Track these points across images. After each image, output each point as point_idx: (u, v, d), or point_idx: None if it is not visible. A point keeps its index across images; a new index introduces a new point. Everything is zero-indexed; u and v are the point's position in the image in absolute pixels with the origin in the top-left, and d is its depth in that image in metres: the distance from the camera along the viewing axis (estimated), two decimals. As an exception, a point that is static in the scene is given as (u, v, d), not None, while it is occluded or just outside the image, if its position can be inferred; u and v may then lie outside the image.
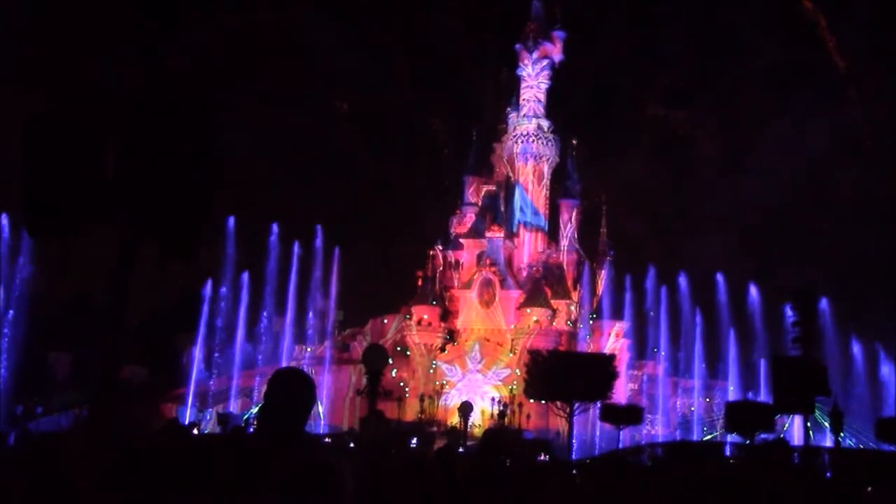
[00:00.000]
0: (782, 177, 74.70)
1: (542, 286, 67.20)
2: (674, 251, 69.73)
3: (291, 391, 4.28)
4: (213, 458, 4.07)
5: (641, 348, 65.58)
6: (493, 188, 73.50)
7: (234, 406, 59.25)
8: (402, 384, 63.64)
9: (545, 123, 73.78)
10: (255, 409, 53.09)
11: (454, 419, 57.81)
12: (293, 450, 2.94)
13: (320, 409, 59.06)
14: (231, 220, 61.33)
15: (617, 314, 66.35)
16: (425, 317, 67.37)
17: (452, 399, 62.97)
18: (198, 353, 62.30)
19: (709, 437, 56.58)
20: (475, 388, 64.02)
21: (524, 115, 73.81)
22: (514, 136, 73.35)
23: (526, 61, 73.71)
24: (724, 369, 65.18)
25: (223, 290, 62.84)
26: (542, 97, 74.42)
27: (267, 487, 2.86)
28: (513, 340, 65.53)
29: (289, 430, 4.09)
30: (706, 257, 72.93)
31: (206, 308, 62.38)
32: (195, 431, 43.38)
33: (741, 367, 63.13)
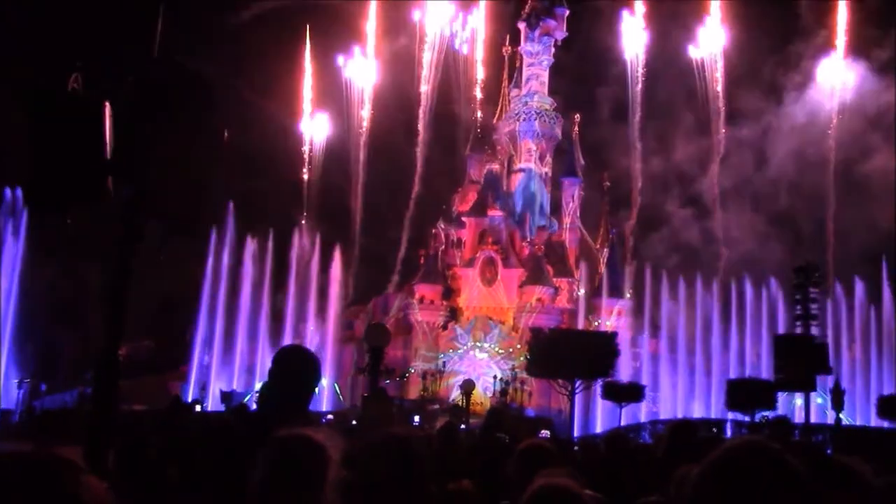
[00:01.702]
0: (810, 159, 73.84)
1: (544, 264, 67.22)
2: (682, 231, 69.07)
3: (295, 369, 4.30)
4: (211, 436, 4.09)
5: (655, 329, 65.75)
6: (496, 166, 73.33)
7: (237, 384, 59.44)
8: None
9: (548, 101, 73.55)
10: (258, 387, 53.33)
11: (451, 391, 58.20)
12: (291, 427, 2.95)
13: (325, 381, 59.28)
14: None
15: (620, 292, 66.44)
16: (428, 295, 67.52)
17: (455, 365, 63.31)
18: (200, 330, 62.47)
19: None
20: (479, 365, 64.20)
21: (526, 93, 73.56)
22: (516, 114, 73.14)
23: (528, 38, 73.39)
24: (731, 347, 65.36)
25: (226, 267, 62.97)
26: (545, 75, 74.16)
27: (255, 464, 2.87)
28: (515, 318, 65.65)
29: (292, 407, 4.11)
30: (716, 237, 72.68)
31: (208, 285, 62.52)
32: (197, 409, 43.59)
33: (750, 345, 63.15)
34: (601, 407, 54.22)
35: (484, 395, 58.74)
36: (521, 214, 71.61)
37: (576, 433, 46.74)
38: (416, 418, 47.30)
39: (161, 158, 4.76)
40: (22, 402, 47.72)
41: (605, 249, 70.63)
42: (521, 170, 73.23)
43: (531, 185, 72.49)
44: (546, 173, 74.22)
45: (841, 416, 39.39)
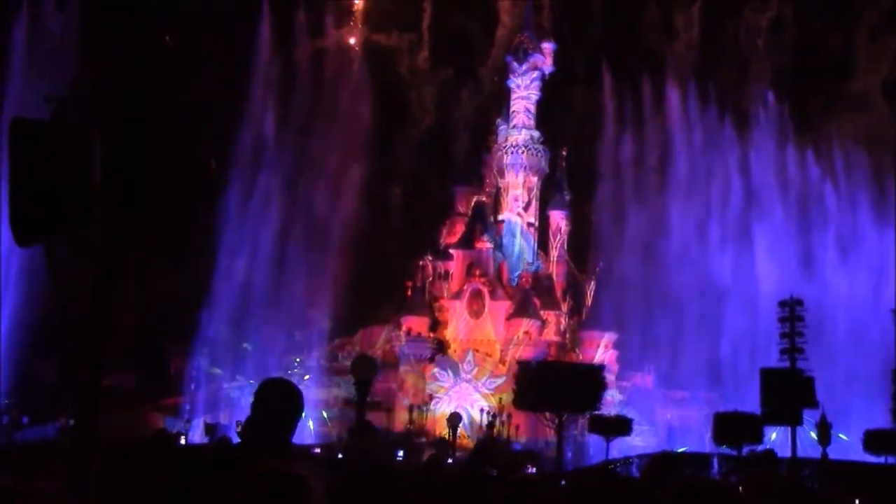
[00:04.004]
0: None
1: (532, 297, 67.25)
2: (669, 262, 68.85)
3: (277, 401, 4.27)
4: (193, 470, 4.05)
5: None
6: (483, 199, 73.57)
7: (222, 416, 58.95)
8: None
9: (535, 134, 74.00)
10: (243, 420, 52.80)
11: (442, 428, 57.80)
12: (271, 461, 2.93)
13: (310, 423, 58.90)
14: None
15: (606, 325, 66.30)
16: (415, 327, 67.36)
17: (442, 406, 62.97)
18: (188, 361, 62.07)
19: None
20: (465, 397, 64.00)
21: (514, 126, 74.03)
22: (504, 147, 73.53)
23: (516, 73, 74.00)
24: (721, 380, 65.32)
25: (215, 297, 62.69)
26: (532, 108, 74.71)
27: (237, 497, 2.85)
28: (502, 351, 65.51)
29: (274, 440, 4.08)
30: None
31: (193, 315, 62.16)
32: (182, 441, 43.22)
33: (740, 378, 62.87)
34: (589, 440, 53.99)
35: (471, 428, 58.47)
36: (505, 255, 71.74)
37: (563, 467, 46.47)
38: (401, 453, 47.02)
39: (147, 188, 4.75)
40: (3, 434, 47.12)
41: (592, 282, 70.70)
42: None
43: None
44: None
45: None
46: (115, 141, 4.66)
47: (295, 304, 65.40)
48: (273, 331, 65.06)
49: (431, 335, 67.74)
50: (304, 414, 4.46)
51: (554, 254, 73.02)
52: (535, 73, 73.93)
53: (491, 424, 57.70)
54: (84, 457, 4.63)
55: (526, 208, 73.52)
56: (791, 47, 73.74)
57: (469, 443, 51.53)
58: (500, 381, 62.65)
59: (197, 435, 53.70)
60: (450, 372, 65.50)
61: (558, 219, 73.75)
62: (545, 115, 75.64)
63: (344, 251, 65.23)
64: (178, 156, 4.83)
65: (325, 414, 60.99)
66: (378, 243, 74.11)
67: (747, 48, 76.11)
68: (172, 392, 61.63)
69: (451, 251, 71.62)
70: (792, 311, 40.79)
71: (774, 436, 45.68)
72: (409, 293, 69.68)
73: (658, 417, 63.44)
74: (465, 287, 68.50)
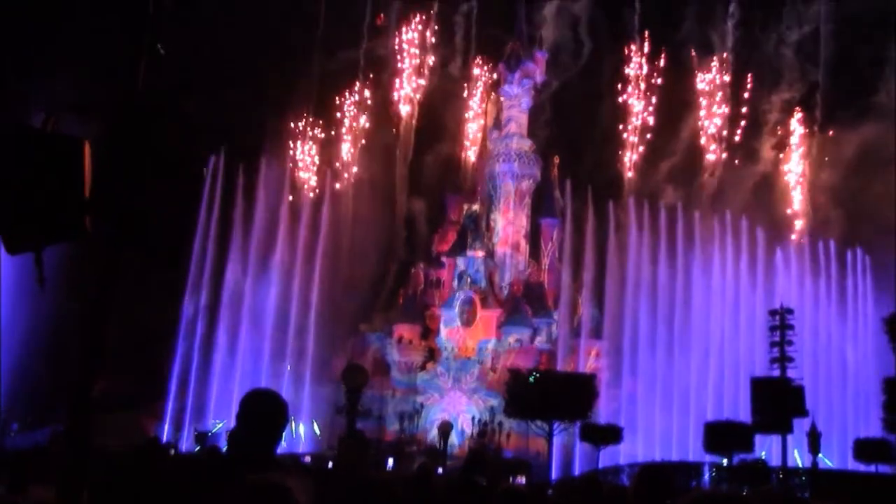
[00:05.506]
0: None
1: (523, 305, 67.26)
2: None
3: (261, 412, 4.27)
4: (182, 481, 4.06)
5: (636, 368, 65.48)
6: (475, 207, 73.61)
7: (211, 424, 58.68)
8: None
9: (527, 143, 74.10)
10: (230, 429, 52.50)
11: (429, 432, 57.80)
12: (256, 472, 2.94)
13: (301, 428, 58.73)
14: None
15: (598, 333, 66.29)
16: (406, 334, 67.31)
17: (432, 411, 62.91)
18: (176, 368, 61.78)
19: None
20: (457, 405, 63.90)
21: (506, 135, 74.10)
22: (496, 156, 73.60)
23: (508, 81, 74.14)
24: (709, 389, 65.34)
25: (202, 304, 62.45)
26: (525, 117, 74.84)
27: None
28: (493, 359, 65.46)
29: (259, 451, 4.08)
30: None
31: (184, 322, 61.95)
32: (172, 452, 43.02)
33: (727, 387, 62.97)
34: (580, 449, 53.95)
35: (462, 436, 58.38)
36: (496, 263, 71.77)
37: (553, 476, 46.43)
38: (391, 461, 46.96)
39: (140, 196, 4.77)
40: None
41: (584, 290, 70.67)
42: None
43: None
44: (525, 215, 74.23)
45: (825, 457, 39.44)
46: (107, 149, 4.68)
47: (289, 312, 65.26)
48: (265, 338, 64.90)
49: (423, 343, 67.68)
50: (290, 422, 4.48)
51: (545, 262, 73.00)
52: (528, 82, 74.07)
53: (482, 433, 57.66)
54: (76, 463, 4.63)
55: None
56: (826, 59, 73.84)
57: (460, 451, 51.51)
58: (494, 399, 62.04)
59: (188, 443, 53.51)
60: (449, 377, 65.34)
61: (550, 227, 73.75)
62: (549, 121, 76.09)
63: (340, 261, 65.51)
64: (173, 167, 4.85)
65: (315, 425, 60.82)
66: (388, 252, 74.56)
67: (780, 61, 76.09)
68: (166, 398, 61.29)
69: (442, 259, 71.62)
70: (782, 320, 40.95)
71: (764, 454, 45.84)
72: (401, 300, 69.64)
73: (649, 426, 63.34)
74: (456, 295, 68.52)
